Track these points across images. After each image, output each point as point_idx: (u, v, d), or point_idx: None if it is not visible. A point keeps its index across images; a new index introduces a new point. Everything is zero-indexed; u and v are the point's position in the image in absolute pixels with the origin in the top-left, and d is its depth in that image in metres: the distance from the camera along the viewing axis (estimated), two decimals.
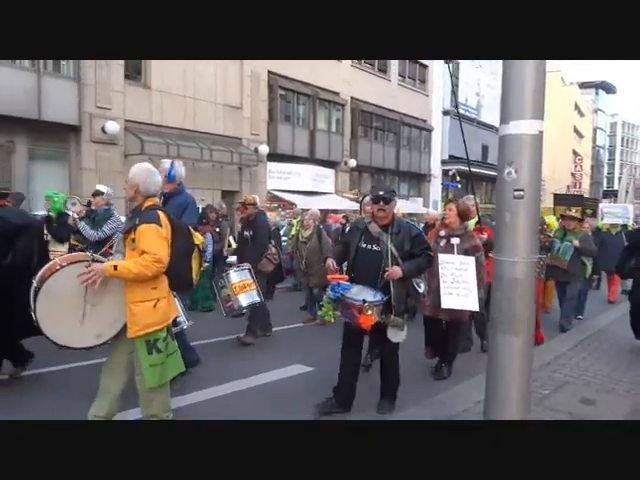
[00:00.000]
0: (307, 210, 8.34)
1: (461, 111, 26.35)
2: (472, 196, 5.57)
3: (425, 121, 24.19)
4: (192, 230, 3.20)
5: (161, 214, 2.96)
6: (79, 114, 11.59)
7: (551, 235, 7.19)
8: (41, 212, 6.97)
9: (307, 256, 7.14)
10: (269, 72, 16.24)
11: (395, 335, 3.67)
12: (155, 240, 2.84)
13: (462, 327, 5.15)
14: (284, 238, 9.74)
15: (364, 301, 3.42)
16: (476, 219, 5.32)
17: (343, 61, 19.08)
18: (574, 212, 7.61)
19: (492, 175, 27.36)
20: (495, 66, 29.39)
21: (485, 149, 28.62)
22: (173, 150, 12.90)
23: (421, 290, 3.81)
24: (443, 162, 25.51)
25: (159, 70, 13.18)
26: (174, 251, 2.95)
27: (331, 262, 3.79)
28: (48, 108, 10.95)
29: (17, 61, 10.78)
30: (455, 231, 4.66)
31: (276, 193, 16.83)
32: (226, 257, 8.51)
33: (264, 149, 15.97)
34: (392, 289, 3.63)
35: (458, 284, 4.27)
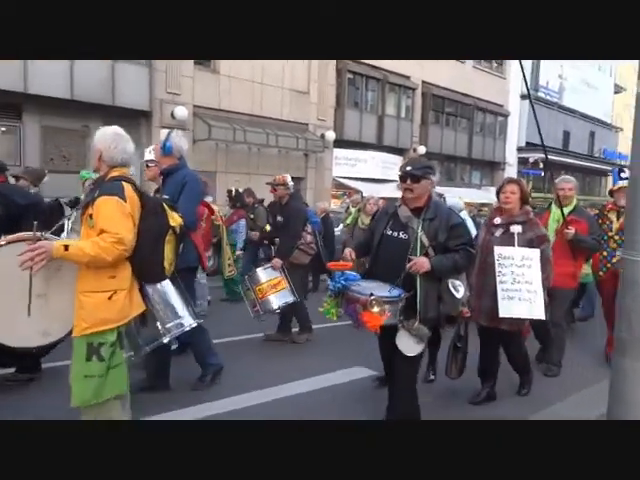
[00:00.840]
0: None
1: (541, 94, 24.54)
2: (572, 178, 4.81)
3: (501, 106, 22.72)
4: (168, 208, 2.61)
5: (127, 186, 2.42)
6: (150, 100, 11.71)
7: None
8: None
9: None
10: None
11: (407, 345, 2.80)
12: (117, 217, 2.30)
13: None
14: (338, 227, 9.14)
15: (371, 294, 2.69)
16: (572, 206, 4.53)
17: None
18: None
19: (574, 164, 25.35)
20: None
21: (567, 135, 26.58)
22: (240, 135, 12.79)
23: (459, 295, 2.89)
24: (519, 149, 23.90)
25: None
26: (141, 232, 2.40)
27: (349, 252, 3.10)
28: (121, 94, 11.12)
29: None
30: (515, 217, 3.64)
31: (342, 180, 16.40)
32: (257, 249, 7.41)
33: (331, 135, 15.53)
34: (418, 288, 2.83)
35: (519, 285, 3.38)
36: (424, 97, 19.13)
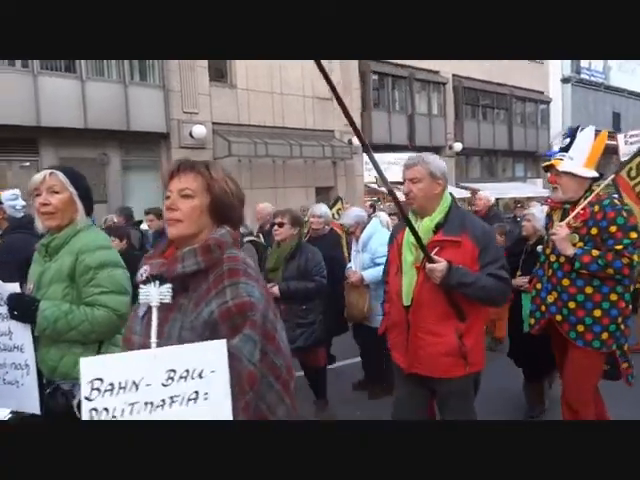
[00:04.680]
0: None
1: (584, 76, 23.50)
2: (426, 157, 2.63)
3: (541, 93, 21.83)
4: None
5: None
6: (167, 121, 11.69)
7: None
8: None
9: None
10: None
11: None
12: None
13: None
14: None
15: None
16: (440, 216, 2.44)
17: None
18: None
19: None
20: None
21: (617, 117, 25.30)
22: (261, 149, 12.63)
23: None
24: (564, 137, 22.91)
25: (244, 69, 12.96)
26: None
27: None
28: (137, 118, 11.14)
29: (105, 74, 11.10)
30: (173, 263, 1.41)
31: (374, 186, 16.00)
32: None
33: None
34: None
35: None
36: (456, 91, 18.54)
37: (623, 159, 4.52)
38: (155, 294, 1.31)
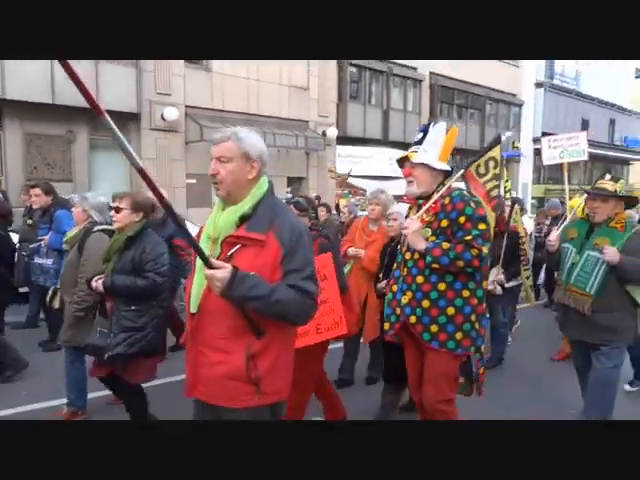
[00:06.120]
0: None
1: (557, 82, 24.22)
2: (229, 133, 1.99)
3: (514, 95, 22.39)
4: None
5: None
6: (138, 101, 11.52)
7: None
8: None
9: (63, 275, 3.72)
10: None
11: None
12: None
13: None
14: None
15: None
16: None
17: None
18: (609, 183, 3.35)
19: (594, 153, 24.97)
20: None
21: (585, 123, 26.15)
22: None
23: None
24: (535, 140, 23.56)
25: None
26: None
27: None
28: (107, 96, 10.90)
29: None
30: None
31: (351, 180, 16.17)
32: None
33: (333, 132, 15.30)
34: None
35: None
36: (432, 89, 18.83)
37: (546, 163, 4.78)
38: None
